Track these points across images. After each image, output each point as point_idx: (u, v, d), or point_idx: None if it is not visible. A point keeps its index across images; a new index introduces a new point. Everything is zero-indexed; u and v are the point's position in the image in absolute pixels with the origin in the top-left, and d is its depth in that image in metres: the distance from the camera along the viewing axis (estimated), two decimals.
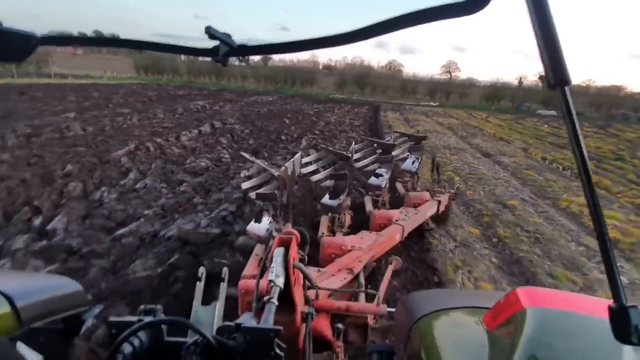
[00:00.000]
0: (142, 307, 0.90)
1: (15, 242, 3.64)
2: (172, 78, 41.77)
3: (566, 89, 0.43)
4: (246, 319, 0.92)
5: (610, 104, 39.36)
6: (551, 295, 0.90)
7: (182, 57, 62.10)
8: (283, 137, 10.84)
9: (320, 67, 70.15)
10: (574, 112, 0.44)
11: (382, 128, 15.48)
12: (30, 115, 11.15)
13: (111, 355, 0.73)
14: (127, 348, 0.74)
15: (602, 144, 15.96)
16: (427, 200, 4.40)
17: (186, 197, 5.37)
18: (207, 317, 1.45)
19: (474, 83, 56.81)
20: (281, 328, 0.86)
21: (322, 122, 15.33)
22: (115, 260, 3.58)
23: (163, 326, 0.84)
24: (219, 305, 1.48)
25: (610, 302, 0.46)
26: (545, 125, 22.74)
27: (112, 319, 0.86)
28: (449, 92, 43.84)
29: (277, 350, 0.83)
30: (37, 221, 4.23)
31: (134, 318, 0.85)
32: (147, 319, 0.83)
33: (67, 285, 1.19)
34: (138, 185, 5.67)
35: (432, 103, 37.12)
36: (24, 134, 8.48)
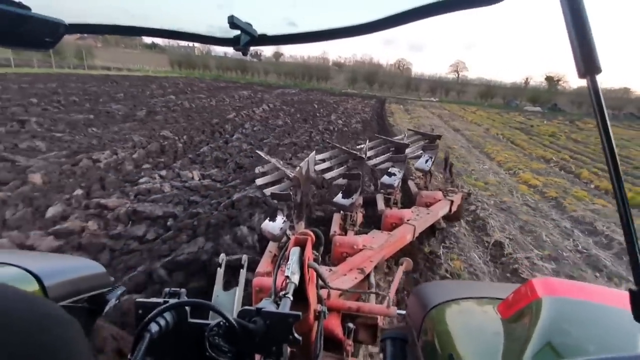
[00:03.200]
0: (166, 289, 0.94)
1: (233, 139, 9.01)
2: (203, 72, 47.32)
3: (596, 78, 0.43)
4: (266, 304, 0.97)
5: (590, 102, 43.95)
6: (566, 286, 0.93)
7: (209, 51, 67.55)
8: (317, 114, 16.14)
9: (330, 63, 75.17)
10: (603, 102, 0.44)
11: (386, 114, 20.73)
12: (148, 96, 16.57)
13: (139, 333, 0.78)
14: (154, 327, 0.79)
15: (554, 128, 20.98)
16: (440, 200, 4.39)
17: (280, 134, 10.69)
18: (228, 302, 1.55)
19: (482, 82, 59.85)
20: (300, 313, 0.90)
21: (342, 107, 20.64)
22: (270, 148, 8.88)
23: (187, 308, 0.89)
24: (239, 291, 1.58)
25: (625, 292, 0.48)
26: (520, 117, 27.77)
27: (139, 300, 0.90)
28: (449, 89, 48.85)
29: (296, 335, 0.88)
30: (226, 136, 9.57)
31: (159, 300, 0.89)
32: (172, 300, 0.87)
33: (92, 267, 1.27)
34: (254, 129, 11.01)
35: (432, 99, 42.15)
36: (162, 106, 13.86)
